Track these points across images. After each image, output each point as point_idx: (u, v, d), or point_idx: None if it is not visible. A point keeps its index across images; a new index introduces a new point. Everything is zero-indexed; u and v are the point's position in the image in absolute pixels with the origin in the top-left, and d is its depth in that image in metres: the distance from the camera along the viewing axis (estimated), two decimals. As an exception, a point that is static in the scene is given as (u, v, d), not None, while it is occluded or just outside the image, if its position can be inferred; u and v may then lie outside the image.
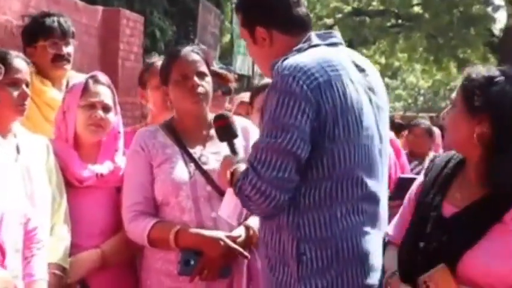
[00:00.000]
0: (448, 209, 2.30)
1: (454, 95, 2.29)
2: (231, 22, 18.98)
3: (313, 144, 2.29)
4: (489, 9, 22.72)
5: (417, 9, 23.67)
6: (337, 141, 2.31)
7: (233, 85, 4.82)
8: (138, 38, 10.64)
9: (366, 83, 2.44)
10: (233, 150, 2.71)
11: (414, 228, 2.35)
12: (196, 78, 2.93)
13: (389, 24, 24.19)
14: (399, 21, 24.16)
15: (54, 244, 2.79)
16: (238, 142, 2.82)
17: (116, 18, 9.92)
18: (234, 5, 17.86)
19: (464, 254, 2.18)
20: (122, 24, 10.04)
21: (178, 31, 13.94)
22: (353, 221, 2.36)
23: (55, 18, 3.63)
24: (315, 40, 2.47)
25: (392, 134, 3.89)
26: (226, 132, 2.75)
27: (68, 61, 3.62)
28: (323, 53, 2.41)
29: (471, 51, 22.75)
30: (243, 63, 18.07)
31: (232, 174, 2.47)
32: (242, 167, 2.44)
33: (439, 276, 2.16)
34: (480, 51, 22.53)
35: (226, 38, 20.49)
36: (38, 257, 2.58)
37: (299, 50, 2.42)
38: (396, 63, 27.83)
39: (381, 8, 24.06)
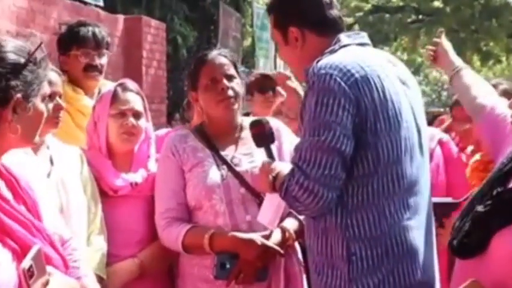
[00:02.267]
0: None
1: None
2: (251, 25, 18.97)
3: (356, 140, 2.29)
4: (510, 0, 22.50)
5: (437, 3, 23.51)
6: (379, 135, 2.31)
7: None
8: (161, 45, 10.69)
9: (400, 77, 2.45)
10: (270, 155, 2.68)
11: (475, 197, 2.26)
12: (225, 81, 2.92)
13: (409, 20, 24.07)
14: (420, 16, 24.03)
15: (91, 254, 2.79)
16: (273, 147, 2.80)
17: (138, 26, 9.98)
18: (254, 9, 17.89)
19: (497, 233, 2.05)
20: (145, 32, 10.10)
21: (200, 37, 13.96)
22: (400, 217, 2.36)
23: (90, 28, 3.66)
24: (345, 40, 2.48)
25: (446, 136, 3.63)
26: (264, 139, 2.74)
27: (101, 72, 3.65)
28: (355, 51, 2.43)
29: (494, 44, 22.54)
30: (265, 66, 18.05)
31: (274, 178, 2.46)
32: (285, 170, 2.43)
33: None
34: (504, 43, 22.31)
35: (248, 41, 20.50)
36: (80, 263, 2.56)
37: (331, 52, 2.43)
38: (418, 59, 27.66)
39: (401, 4, 23.95)
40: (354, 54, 2.39)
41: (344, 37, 2.48)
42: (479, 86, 2.81)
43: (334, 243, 2.36)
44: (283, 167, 2.50)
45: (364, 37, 2.54)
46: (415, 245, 2.39)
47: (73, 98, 3.47)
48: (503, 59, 24.89)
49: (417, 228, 2.41)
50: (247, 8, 18.32)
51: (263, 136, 2.74)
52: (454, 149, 3.53)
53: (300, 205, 2.32)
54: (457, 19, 21.07)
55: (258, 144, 2.75)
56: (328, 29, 2.50)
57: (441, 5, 22.97)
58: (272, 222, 2.68)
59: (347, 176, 2.30)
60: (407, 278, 2.36)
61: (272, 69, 17.23)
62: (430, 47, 3.08)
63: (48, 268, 1.94)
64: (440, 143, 3.47)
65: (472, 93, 2.80)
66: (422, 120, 2.51)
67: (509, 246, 2.01)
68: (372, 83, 2.32)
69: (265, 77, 4.73)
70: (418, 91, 2.56)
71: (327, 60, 2.35)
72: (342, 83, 2.28)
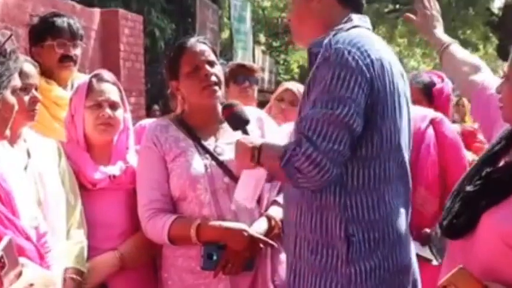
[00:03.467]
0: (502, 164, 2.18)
1: (505, 67, 2.20)
2: (229, 18, 18.94)
3: (365, 120, 2.26)
4: (486, -12, 22.61)
5: (414, -7, 23.53)
6: (386, 120, 2.31)
7: (259, 75, 4.77)
8: (138, 37, 10.61)
9: (399, 68, 2.46)
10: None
11: (466, 177, 2.24)
12: (207, 67, 2.87)
13: (386, 9, 24.14)
14: (397, 6, 24.10)
15: (70, 248, 2.74)
16: (253, 132, 2.77)
17: (115, 20, 9.89)
18: (231, 1, 17.83)
19: (485, 212, 2.05)
20: (121, 25, 10.02)
21: (177, 29, 13.90)
22: (395, 203, 2.38)
23: (65, 19, 3.58)
24: (356, 21, 2.46)
25: (440, 116, 3.52)
26: (237, 120, 2.71)
27: (75, 62, 3.57)
28: (368, 34, 2.41)
29: (471, 32, 22.67)
30: (243, 58, 18.01)
31: (259, 150, 2.39)
32: (270, 142, 2.42)
33: (458, 279, 2.02)
34: (480, 31, 22.46)
35: (225, 33, 20.46)
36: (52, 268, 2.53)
37: (341, 30, 2.39)
38: (396, 49, 27.79)
39: (378, -7, 23.97)
40: (367, 36, 2.38)
41: (356, 18, 2.46)
42: (469, 62, 2.78)
43: (331, 222, 2.33)
44: (263, 140, 2.47)
45: (369, 23, 2.53)
46: (406, 232, 2.43)
47: (46, 89, 3.37)
48: (481, 47, 25.06)
49: (405, 215, 2.44)
50: (224, 0, 18.27)
51: (235, 117, 2.72)
52: (449, 128, 3.44)
53: (301, 177, 2.24)
54: (434, 8, 21.12)
55: (233, 126, 2.73)
56: (349, 2, 2.48)
57: (418, -6, 23.00)
58: (250, 200, 2.60)
59: (350, 156, 2.27)
60: (399, 264, 2.39)
61: (251, 61, 17.21)
62: (421, 11, 3.00)
63: (21, 259, 1.91)
64: (433, 122, 3.40)
65: (462, 70, 2.77)
66: (409, 114, 2.52)
67: (496, 225, 2.01)
68: (384, 67, 2.31)
69: (240, 67, 4.68)
70: (407, 84, 2.55)
71: (343, 37, 2.31)
72: (360, 62, 2.26)
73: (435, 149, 3.35)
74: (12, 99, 1.99)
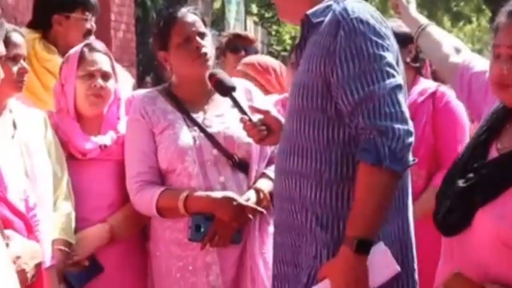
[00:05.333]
0: (493, 153, 2.13)
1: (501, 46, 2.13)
2: (221, -13, 18.78)
3: None
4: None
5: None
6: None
7: (258, 45, 4.75)
8: (129, 7, 10.52)
9: None
10: (237, 104, 2.68)
11: (456, 167, 2.19)
12: (198, 39, 2.84)
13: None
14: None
15: (58, 219, 2.73)
16: (242, 102, 2.76)
17: (106, -11, 9.77)
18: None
19: (480, 209, 2.02)
20: (112, -6, 9.90)
21: (169, -1, 13.77)
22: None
23: None
24: None
25: (444, 88, 3.41)
26: (223, 87, 2.72)
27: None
28: (365, 3, 2.35)
29: (464, 4, 22.57)
30: (235, 28, 17.92)
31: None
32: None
33: (455, 284, 2.00)
34: (474, 3, 22.36)
35: (217, 4, 20.32)
36: (42, 243, 2.51)
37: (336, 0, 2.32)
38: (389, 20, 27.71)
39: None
40: (368, 6, 2.32)
41: None
42: (448, 44, 2.71)
43: (341, 195, 2.24)
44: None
45: None
46: (409, 203, 2.37)
47: (43, 58, 3.32)
48: (474, 19, 24.98)
49: (409, 183, 2.39)
50: (216, -30, 18.12)
51: (220, 84, 2.72)
52: (448, 99, 3.33)
53: (408, 154, 2.16)
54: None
55: (221, 93, 2.74)
56: None
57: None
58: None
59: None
60: (407, 230, 2.33)
61: (243, 31, 17.12)
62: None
63: (7, 232, 1.88)
64: (433, 96, 3.31)
65: (441, 52, 2.70)
66: None
67: (492, 224, 1.97)
68: (392, 36, 2.28)
69: (237, 37, 4.68)
70: None
71: (353, 6, 2.25)
72: (383, 28, 2.23)
73: (428, 124, 3.27)
74: None
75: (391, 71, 2.19)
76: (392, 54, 2.22)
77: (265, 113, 2.65)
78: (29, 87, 2.96)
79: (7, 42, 2.68)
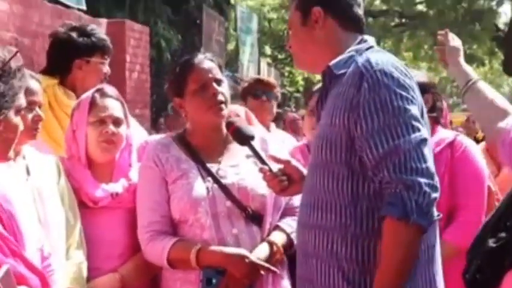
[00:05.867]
0: None
1: None
2: (235, 29, 18.95)
3: None
4: (493, 3, 22.62)
5: (421, 7, 23.64)
6: None
7: (278, 91, 4.76)
8: (144, 48, 10.60)
9: None
10: (255, 153, 2.65)
11: (488, 225, 2.16)
12: (215, 85, 2.80)
13: (392, 23, 24.17)
14: (403, 20, 24.14)
15: (70, 268, 2.69)
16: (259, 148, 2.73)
17: (122, 30, 9.88)
18: (238, 12, 17.82)
19: (509, 271, 1.97)
20: (128, 36, 10.00)
21: (184, 40, 13.91)
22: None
23: (104, 35, 3.49)
24: (371, 42, 2.40)
25: (461, 137, 3.35)
26: (242, 135, 2.70)
27: None
28: (389, 55, 2.33)
29: (477, 47, 22.65)
30: (249, 69, 18.02)
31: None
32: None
33: None
34: (487, 46, 22.44)
35: (232, 45, 20.46)
36: None
37: (359, 50, 2.32)
38: (402, 63, 27.77)
39: (384, 7, 24.03)
40: (392, 57, 2.30)
41: (369, 38, 2.41)
42: (496, 106, 2.63)
43: (367, 249, 2.20)
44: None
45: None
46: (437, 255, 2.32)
47: (63, 102, 3.30)
48: (486, 62, 25.03)
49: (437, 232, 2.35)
50: (230, 12, 18.29)
51: (239, 132, 2.70)
52: (465, 146, 3.25)
53: (433, 209, 2.12)
54: (440, 23, 21.12)
55: (240, 142, 2.71)
56: (350, 25, 2.41)
57: (424, 9, 23.10)
58: None
59: None
60: (435, 284, 2.27)
61: (256, 73, 17.22)
62: (438, 47, 2.94)
63: None
64: (451, 146, 3.25)
65: (490, 113, 2.62)
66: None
67: None
68: (416, 87, 2.26)
69: (258, 82, 4.70)
70: None
71: (377, 58, 2.23)
72: (407, 80, 2.20)
73: (447, 174, 3.21)
74: (16, 120, 1.90)
75: (416, 124, 2.15)
76: (416, 106, 2.19)
77: (286, 162, 2.62)
78: (50, 132, 2.94)
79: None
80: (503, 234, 2.02)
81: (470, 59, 21.54)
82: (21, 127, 1.94)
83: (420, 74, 3.02)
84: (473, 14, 21.16)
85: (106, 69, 3.46)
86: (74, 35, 3.43)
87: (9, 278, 1.77)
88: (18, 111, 1.92)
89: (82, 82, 3.39)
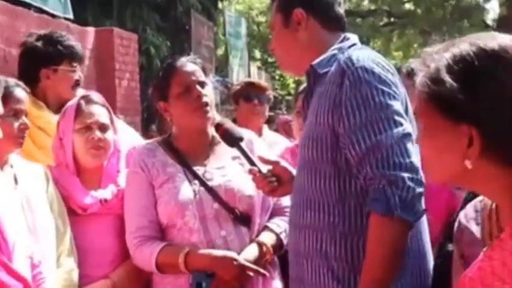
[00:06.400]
0: None
1: None
2: (224, 34, 18.96)
3: None
4: (481, 0, 22.69)
5: (408, 6, 23.70)
6: None
7: (270, 93, 4.77)
8: (133, 56, 10.59)
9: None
10: (245, 155, 2.64)
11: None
12: (199, 88, 2.79)
13: (381, 23, 24.22)
14: (392, 19, 24.19)
15: (61, 276, 2.68)
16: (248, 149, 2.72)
17: (110, 38, 9.87)
18: (226, 17, 17.83)
19: None
20: (117, 44, 9.99)
21: (173, 47, 13.88)
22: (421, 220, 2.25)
23: (73, 42, 3.44)
24: (353, 39, 2.40)
25: None
26: (231, 137, 2.69)
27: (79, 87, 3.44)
28: (370, 51, 2.33)
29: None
30: (238, 74, 18.04)
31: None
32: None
33: None
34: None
35: (221, 50, 20.46)
36: None
37: (341, 48, 2.33)
38: (392, 62, 27.82)
39: (373, 7, 24.08)
40: (373, 53, 2.30)
41: (352, 36, 2.41)
42: None
43: (356, 247, 2.19)
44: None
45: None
46: (428, 249, 2.32)
47: (33, 114, 3.21)
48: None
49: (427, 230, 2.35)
50: (219, 16, 18.29)
51: (229, 134, 2.69)
52: None
53: (420, 204, 2.11)
54: (428, 21, 21.22)
55: (229, 143, 2.70)
56: (332, 24, 2.41)
57: (412, 7, 23.13)
58: None
59: None
60: (426, 280, 2.27)
61: (246, 77, 17.23)
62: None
63: None
64: None
65: None
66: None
67: None
68: (399, 82, 2.25)
69: (250, 85, 4.70)
70: None
71: (359, 54, 2.23)
72: (389, 76, 2.19)
73: None
74: None
75: (399, 119, 2.14)
76: (399, 102, 2.18)
77: (275, 163, 2.61)
78: (24, 147, 2.90)
79: (9, 97, 2.66)
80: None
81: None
82: (0, 135, 1.90)
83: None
84: (461, 11, 21.20)
85: (78, 76, 3.41)
86: (39, 44, 3.39)
87: None
88: None
89: (52, 91, 3.35)
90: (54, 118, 3.24)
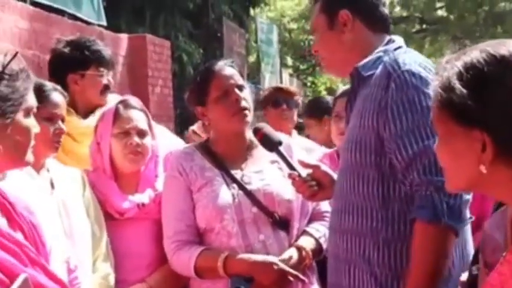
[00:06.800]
0: None
1: None
2: (256, 41, 18.98)
3: None
4: (515, 5, 22.46)
5: (441, 12, 23.55)
6: None
7: (299, 98, 4.76)
8: (166, 63, 10.63)
9: None
10: (284, 159, 2.61)
11: None
12: (237, 91, 2.77)
13: (413, 29, 24.10)
14: (424, 25, 24.07)
15: (97, 281, 2.67)
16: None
17: (143, 45, 9.91)
18: (258, 24, 17.85)
19: None
20: (149, 51, 10.03)
21: (205, 54, 13.93)
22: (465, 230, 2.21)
23: (101, 46, 3.43)
24: (399, 42, 2.37)
25: None
26: (270, 141, 2.66)
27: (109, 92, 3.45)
28: (417, 54, 2.29)
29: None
30: (271, 80, 18.03)
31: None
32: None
33: None
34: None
35: (253, 57, 20.49)
36: None
37: (386, 51, 2.29)
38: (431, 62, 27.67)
39: (405, 14, 23.98)
40: (420, 57, 2.26)
41: (397, 38, 2.38)
42: None
43: (399, 253, 2.16)
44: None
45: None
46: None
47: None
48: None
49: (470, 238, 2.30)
50: (250, 24, 18.32)
51: (267, 138, 2.67)
52: None
53: (466, 211, 2.08)
54: (461, 27, 21.06)
55: (269, 148, 2.68)
56: (378, 25, 2.39)
57: (445, 14, 22.99)
58: None
59: None
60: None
61: (278, 84, 17.22)
62: None
63: None
64: None
65: None
66: None
67: None
68: None
69: (278, 90, 4.70)
70: None
71: (404, 58, 2.20)
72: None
73: None
74: (27, 122, 1.82)
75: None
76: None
77: (315, 167, 2.58)
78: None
79: (46, 101, 2.66)
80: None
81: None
82: (35, 130, 1.85)
83: None
84: (495, 17, 21.02)
85: (107, 80, 3.40)
86: (67, 50, 3.38)
87: (27, 287, 1.74)
88: (27, 113, 1.84)
89: (80, 96, 3.34)
90: (82, 123, 3.27)
